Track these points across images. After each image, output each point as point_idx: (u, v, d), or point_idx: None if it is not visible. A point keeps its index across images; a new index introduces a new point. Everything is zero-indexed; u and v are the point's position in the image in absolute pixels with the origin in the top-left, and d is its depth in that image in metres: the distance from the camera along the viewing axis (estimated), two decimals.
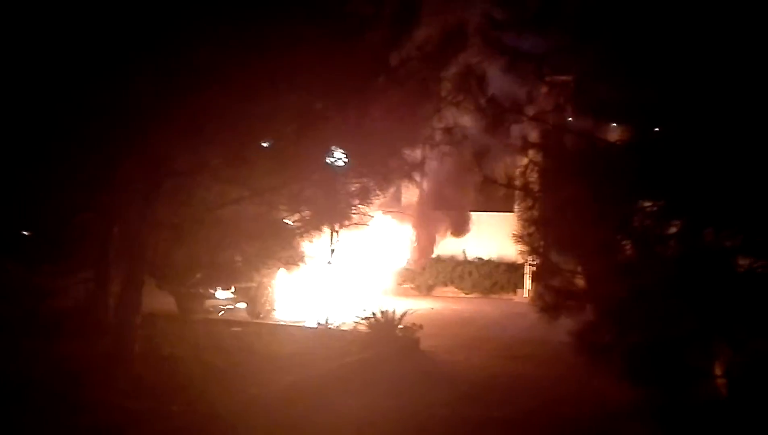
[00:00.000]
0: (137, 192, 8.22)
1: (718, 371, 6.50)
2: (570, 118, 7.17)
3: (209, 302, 14.54)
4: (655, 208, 6.55)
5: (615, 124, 6.85)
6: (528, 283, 19.69)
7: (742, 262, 6.29)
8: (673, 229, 6.54)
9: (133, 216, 8.33)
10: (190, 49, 6.94)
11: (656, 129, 6.59)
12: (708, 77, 5.91)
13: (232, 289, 14.21)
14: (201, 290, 13.80)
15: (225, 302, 14.76)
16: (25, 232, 8.76)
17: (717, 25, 5.84)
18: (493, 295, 20.74)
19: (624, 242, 6.67)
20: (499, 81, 7.35)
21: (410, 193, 16.55)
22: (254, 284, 14.26)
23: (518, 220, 7.47)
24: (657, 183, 6.24)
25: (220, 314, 14.17)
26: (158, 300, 11.96)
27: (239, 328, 12.13)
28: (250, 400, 7.77)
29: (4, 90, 6.98)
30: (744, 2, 5.85)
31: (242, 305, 14.77)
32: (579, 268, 7.04)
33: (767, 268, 6.19)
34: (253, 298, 14.53)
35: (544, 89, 6.95)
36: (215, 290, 14.18)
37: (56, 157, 7.53)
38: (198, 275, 11.93)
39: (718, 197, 5.98)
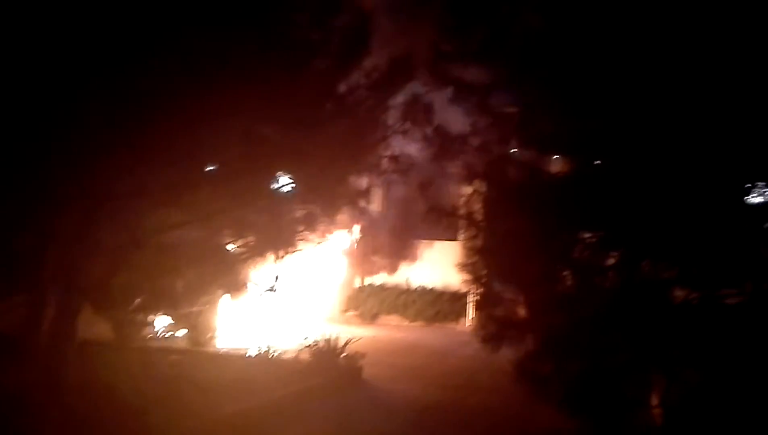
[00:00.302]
0: (74, 214, 8.03)
1: (654, 401, 6.61)
2: (514, 150, 7.29)
3: (148, 329, 14.21)
4: (594, 240, 6.69)
5: (557, 156, 6.99)
6: (471, 312, 19.80)
7: (679, 293, 6.44)
8: (611, 261, 6.68)
9: (69, 238, 8.11)
10: (134, 73, 6.85)
11: (595, 162, 6.74)
12: (642, 113, 6.08)
13: (172, 315, 13.92)
14: (139, 317, 13.48)
15: (164, 329, 14.45)
16: None
17: (650, 64, 6.02)
18: (437, 324, 20.77)
19: (564, 273, 6.77)
20: (445, 111, 7.45)
21: (355, 221, 16.55)
22: (195, 311, 14.00)
23: (462, 248, 7.53)
24: (595, 215, 6.38)
25: (159, 341, 13.85)
26: (94, 326, 11.64)
27: (178, 356, 11.86)
28: (189, 431, 7.59)
29: None
30: (675, 41, 6.04)
31: (182, 332, 14.47)
32: (521, 298, 7.11)
33: (702, 300, 6.35)
34: (194, 325, 14.24)
35: (488, 120, 7.06)
36: (154, 317, 13.88)
37: None
38: (137, 301, 11.68)
39: (654, 230, 6.14)
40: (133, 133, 7.13)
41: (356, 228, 19.90)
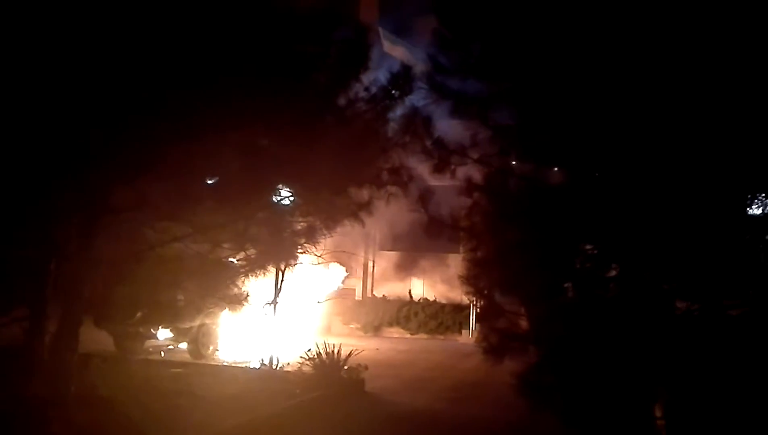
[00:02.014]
0: (75, 227, 8.04)
1: (657, 412, 6.59)
2: (514, 162, 7.29)
3: (149, 342, 14.23)
4: (595, 251, 6.69)
5: (556, 168, 7.00)
6: (473, 323, 19.80)
7: (680, 304, 6.43)
8: (613, 272, 6.68)
9: (71, 252, 8.13)
10: (133, 88, 6.88)
11: (595, 173, 6.75)
12: (642, 125, 6.10)
13: (173, 328, 13.93)
14: (141, 330, 13.50)
15: (166, 342, 14.46)
16: None
17: (650, 76, 6.04)
18: (439, 336, 20.79)
19: (565, 284, 6.76)
20: (444, 124, 7.46)
21: (357, 234, 16.55)
22: (196, 324, 14.01)
23: (463, 261, 7.52)
24: (596, 226, 6.38)
25: (161, 355, 13.86)
26: (96, 339, 11.65)
27: (180, 370, 11.86)
28: None
29: None
30: (675, 52, 6.05)
31: (184, 345, 14.47)
32: (522, 310, 7.09)
33: (704, 311, 6.34)
34: (195, 338, 14.26)
35: (488, 133, 7.07)
36: (156, 330, 13.89)
37: None
38: (138, 314, 11.70)
39: (655, 241, 6.13)
40: (133, 146, 7.14)
41: (358, 240, 19.94)
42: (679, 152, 6.00)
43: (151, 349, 14.17)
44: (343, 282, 21.80)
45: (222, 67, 7.05)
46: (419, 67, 7.80)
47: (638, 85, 6.05)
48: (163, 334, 14.08)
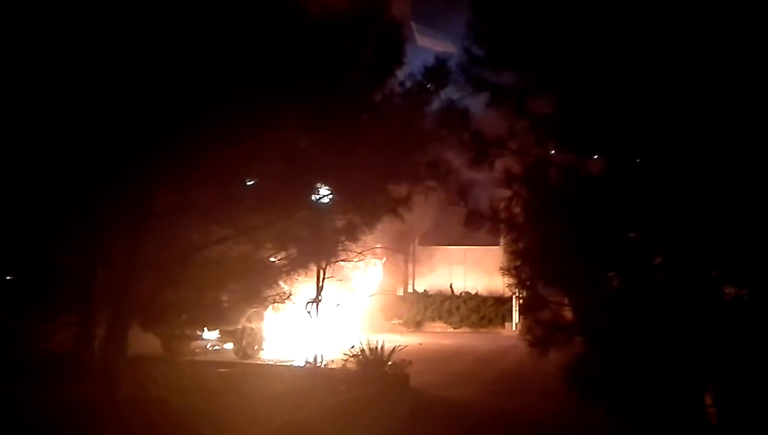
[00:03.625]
0: (121, 233, 8.19)
1: (708, 401, 6.48)
2: (552, 151, 7.22)
3: (196, 343, 14.42)
4: (639, 239, 6.59)
5: (596, 157, 6.91)
6: (516, 316, 19.69)
7: (728, 290, 6.31)
8: (658, 260, 6.57)
9: (117, 257, 8.28)
10: (174, 93, 6.97)
11: (636, 160, 6.65)
12: (684, 110, 5.99)
13: (219, 329, 14.10)
14: (187, 331, 13.70)
15: (212, 343, 14.65)
16: (7, 277, 8.68)
17: (691, 63, 5.93)
18: (482, 329, 20.73)
19: (610, 274, 6.68)
20: (481, 115, 7.41)
21: (396, 230, 16.57)
22: (241, 324, 14.17)
23: (504, 253, 7.48)
24: (640, 215, 6.29)
25: (207, 355, 14.04)
26: (144, 342, 11.84)
27: (227, 369, 12.00)
28: None
29: None
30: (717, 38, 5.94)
31: (229, 346, 14.65)
32: (566, 301, 7.03)
33: (753, 296, 6.22)
34: (240, 338, 14.42)
35: (525, 123, 7.01)
36: (201, 331, 14.08)
37: (39, 198, 7.50)
38: (184, 316, 11.85)
39: (701, 227, 6.03)
40: (174, 150, 7.25)
41: (398, 236, 19.96)
42: (727, 133, 5.88)
43: (197, 350, 14.36)
44: (384, 278, 21.85)
45: (260, 67, 7.10)
46: (454, 59, 7.76)
47: (680, 69, 5.94)
48: (210, 335, 14.26)
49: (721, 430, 6.37)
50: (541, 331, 7.03)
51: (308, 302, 12.66)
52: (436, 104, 8.67)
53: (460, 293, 21.71)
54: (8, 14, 6.77)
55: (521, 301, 8.09)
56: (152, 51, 6.88)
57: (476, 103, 7.26)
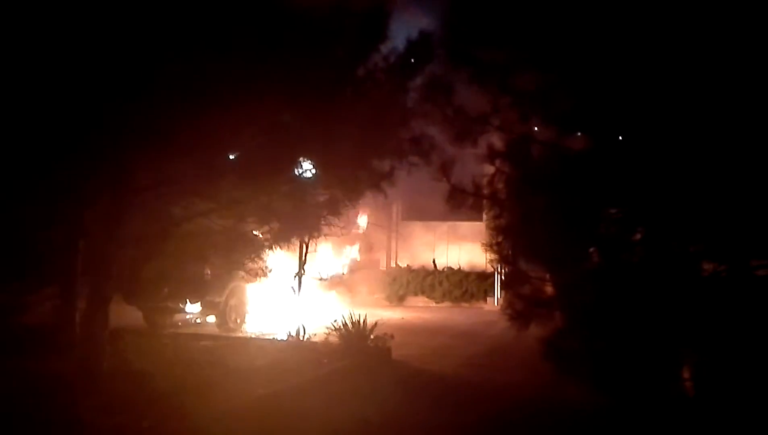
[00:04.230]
0: (103, 206, 8.15)
1: (685, 374, 6.60)
2: (535, 128, 7.25)
3: (178, 316, 14.43)
4: (620, 215, 6.65)
5: (579, 133, 6.94)
6: (498, 291, 19.84)
7: (707, 266, 6.39)
8: (638, 236, 6.64)
9: (99, 230, 8.25)
10: (155, 65, 6.90)
11: (618, 137, 6.69)
12: (665, 86, 6.02)
13: (201, 302, 14.12)
14: (169, 304, 13.70)
15: (194, 316, 14.66)
16: None
17: (672, 43, 5.95)
18: (464, 304, 20.87)
19: (590, 249, 6.75)
20: (465, 91, 7.41)
21: (379, 205, 16.59)
22: (223, 297, 14.19)
23: (487, 228, 7.52)
24: (620, 190, 6.34)
25: (189, 328, 14.06)
26: (126, 315, 11.84)
27: (209, 342, 12.03)
28: (223, 414, 7.69)
29: None
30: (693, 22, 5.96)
31: (211, 319, 14.67)
32: (548, 276, 7.10)
33: (731, 272, 6.31)
34: (223, 312, 14.44)
35: (508, 99, 7.01)
36: (183, 304, 14.08)
37: (20, 170, 7.43)
38: (166, 289, 11.87)
39: (680, 203, 6.09)
40: (156, 123, 7.20)
41: (379, 212, 20.01)
42: (706, 111, 5.93)
43: (180, 324, 14.37)
44: (366, 252, 21.92)
45: (241, 39, 7.04)
46: (438, 33, 7.73)
47: (663, 47, 5.96)
48: (192, 308, 14.27)
49: (697, 402, 6.49)
50: (522, 305, 7.10)
51: (290, 276, 12.69)
52: (419, 80, 8.64)
53: (443, 268, 21.82)
54: None
55: (503, 276, 8.16)
56: (131, 21, 6.79)
57: (460, 79, 7.25)
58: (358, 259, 22.84)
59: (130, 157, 7.55)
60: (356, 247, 22.40)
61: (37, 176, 7.44)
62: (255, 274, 11.25)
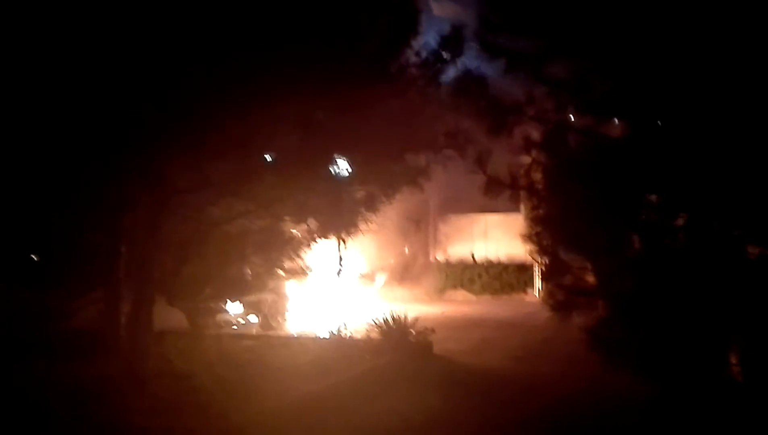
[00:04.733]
0: (144, 210, 8.26)
1: (733, 360, 6.48)
2: (571, 117, 7.16)
3: (220, 317, 14.57)
4: (660, 202, 6.55)
5: (616, 120, 6.84)
6: (538, 282, 19.67)
7: (752, 250, 6.27)
8: (680, 222, 6.53)
9: (140, 235, 8.37)
10: (191, 68, 6.97)
11: (657, 123, 6.58)
12: (704, 71, 5.91)
13: (243, 302, 14.24)
14: (211, 305, 13.84)
15: (236, 316, 14.80)
16: (34, 256, 8.82)
17: (710, 25, 5.83)
18: (504, 296, 20.73)
19: (632, 237, 6.65)
20: (498, 82, 7.35)
21: (417, 199, 16.55)
22: (264, 297, 14.29)
23: (525, 219, 7.46)
24: (660, 176, 6.24)
25: (232, 328, 14.20)
26: (169, 317, 11.99)
27: (252, 342, 12.13)
28: (269, 413, 7.76)
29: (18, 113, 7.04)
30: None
31: (253, 318, 14.79)
32: (588, 265, 7.01)
33: None
34: (264, 311, 14.54)
35: (543, 89, 6.94)
36: (226, 304, 14.22)
37: (62, 177, 7.58)
38: (207, 290, 11.99)
39: (722, 187, 5.97)
40: (192, 127, 7.27)
41: (418, 206, 19.97)
42: (747, 94, 5.80)
43: (222, 324, 14.52)
44: (405, 248, 21.88)
45: (275, 39, 7.08)
46: (469, 26, 7.68)
47: (702, 31, 5.85)
48: (234, 308, 14.40)
49: (747, 387, 6.37)
50: (564, 295, 7.03)
51: (330, 273, 12.74)
52: (452, 73, 8.60)
53: (482, 261, 21.70)
54: None
55: (543, 267, 8.08)
56: (168, 25, 6.87)
57: (493, 71, 7.19)
58: (396, 254, 22.81)
59: (167, 161, 7.65)
60: (393, 242, 22.37)
61: (79, 183, 7.58)
62: (294, 273, 11.31)
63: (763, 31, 5.74)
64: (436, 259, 22.89)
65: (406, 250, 21.75)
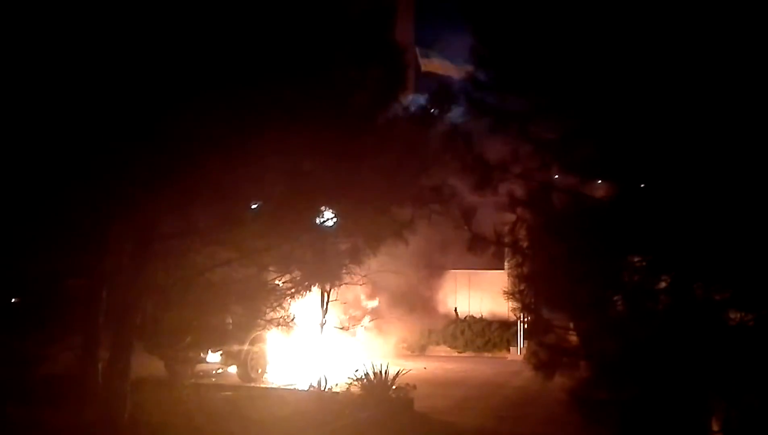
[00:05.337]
0: (126, 255, 8.21)
1: (715, 426, 6.44)
2: (556, 176, 7.23)
3: (199, 366, 14.38)
4: (643, 263, 6.58)
5: (600, 181, 6.92)
6: (521, 340, 19.59)
7: (734, 315, 6.28)
8: (662, 284, 6.56)
9: (121, 280, 8.30)
10: (178, 115, 7.01)
11: (640, 185, 6.66)
12: (688, 135, 6.01)
13: (223, 352, 14.07)
14: (191, 354, 13.66)
15: (215, 366, 14.60)
16: (10, 299, 8.70)
17: (692, 90, 5.96)
18: (486, 354, 20.59)
19: (614, 298, 6.66)
20: (485, 139, 7.44)
21: (401, 252, 16.54)
22: (245, 347, 14.13)
23: (509, 277, 7.46)
24: (643, 238, 6.28)
25: (211, 378, 14.01)
26: (148, 365, 11.81)
27: (230, 393, 11.96)
28: None
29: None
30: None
31: (233, 369, 14.60)
32: (571, 325, 7.00)
33: (759, 321, 6.19)
34: (244, 361, 14.37)
35: (529, 147, 7.02)
36: (205, 354, 14.04)
37: (43, 220, 7.53)
38: (188, 339, 11.85)
39: (705, 251, 6.01)
40: (178, 173, 7.28)
41: (402, 260, 19.92)
42: (730, 159, 5.89)
43: (201, 373, 14.31)
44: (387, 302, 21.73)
45: (263, 93, 7.16)
46: (458, 83, 7.81)
47: (684, 96, 5.96)
48: (213, 358, 14.22)
49: None
50: (546, 354, 7.00)
51: (312, 326, 12.62)
52: (439, 128, 8.69)
53: (465, 317, 21.61)
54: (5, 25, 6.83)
55: (526, 325, 8.06)
56: (159, 69, 6.93)
57: (480, 128, 7.28)
58: (380, 309, 22.67)
59: (152, 207, 7.63)
60: (377, 296, 22.25)
61: (61, 226, 7.53)
62: (276, 324, 11.20)
63: (746, 95, 5.85)
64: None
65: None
